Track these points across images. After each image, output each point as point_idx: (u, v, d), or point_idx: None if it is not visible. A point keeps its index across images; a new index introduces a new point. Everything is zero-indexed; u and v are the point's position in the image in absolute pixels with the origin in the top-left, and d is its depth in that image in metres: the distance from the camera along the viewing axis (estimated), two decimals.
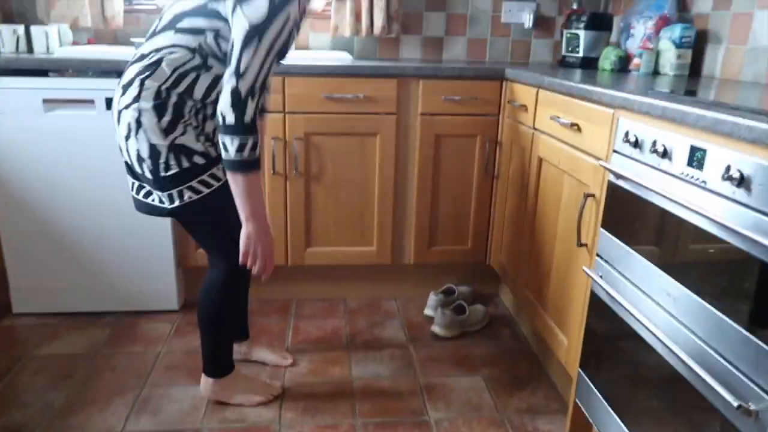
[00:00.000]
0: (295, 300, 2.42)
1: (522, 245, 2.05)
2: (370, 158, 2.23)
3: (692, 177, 1.10)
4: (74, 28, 2.47)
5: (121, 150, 1.49)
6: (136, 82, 1.42)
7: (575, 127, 1.61)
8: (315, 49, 2.68)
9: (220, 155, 1.48)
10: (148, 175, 1.46)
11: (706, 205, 1.06)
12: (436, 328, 2.16)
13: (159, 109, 1.41)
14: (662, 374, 1.18)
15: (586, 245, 1.55)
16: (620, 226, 1.37)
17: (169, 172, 1.44)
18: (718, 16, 1.96)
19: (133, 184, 1.55)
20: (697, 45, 2.03)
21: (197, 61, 1.42)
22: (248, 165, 1.39)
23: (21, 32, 2.29)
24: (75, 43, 2.48)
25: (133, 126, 1.42)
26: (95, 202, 2.11)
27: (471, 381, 1.91)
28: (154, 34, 1.45)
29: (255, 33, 1.33)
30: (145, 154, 1.44)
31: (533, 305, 1.96)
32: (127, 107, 1.42)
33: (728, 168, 1.00)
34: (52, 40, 2.30)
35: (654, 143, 1.22)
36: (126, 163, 1.52)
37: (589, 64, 2.36)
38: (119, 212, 2.13)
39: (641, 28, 2.15)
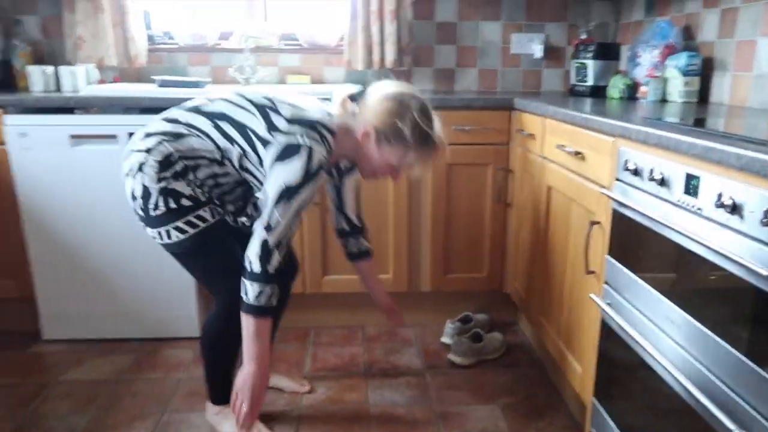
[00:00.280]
0: (314, 328, 2.46)
1: (535, 272, 2.07)
2: (384, 188, 2.29)
3: (689, 205, 1.13)
4: (101, 67, 2.60)
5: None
6: (157, 138, 1.51)
7: (580, 155, 1.65)
8: (330, 82, 2.77)
9: (207, 199, 1.56)
10: (140, 212, 1.54)
11: (703, 233, 1.08)
12: (452, 356, 2.18)
13: (162, 165, 1.50)
14: (674, 404, 1.19)
15: (594, 272, 1.57)
16: (626, 254, 1.39)
17: (157, 212, 1.52)
18: (723, 44, 2.00)
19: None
20: (705, 72, 2.06)
21: (216, 156, 1.53)
22: (263, 311, 1.48)
23: (50, 72, 2.42)
24: (101, 81, 2.61)
25: (135, 168, 1.52)
26: (119, 233, 2.20)
27: (487, 410, 1.92)
28: (197, 110, 1.55)
29: (287, 194, 1.44)
30: (138, 193, 1.52)
31: (548, 332, 1.97)
32: (138, 151, 1.52)
33: (720, 195, 1.02)
34: (79, 79, 2.42)
35: (651, 171, 1.25)
36: None
37: (598, 93, 2.40)
38: (142, 242, 2.20)
39: (648, 56, 2.19)
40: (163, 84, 2.38)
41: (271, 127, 1.48)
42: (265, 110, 1.51)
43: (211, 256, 1.58)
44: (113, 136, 2.14)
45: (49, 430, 1.77)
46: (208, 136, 1.52)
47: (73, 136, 2.13)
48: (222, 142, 1.52)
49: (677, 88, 2.04)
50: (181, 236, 1.54)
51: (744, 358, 0.98)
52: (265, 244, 1.45)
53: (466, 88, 2.82)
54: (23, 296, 2.29)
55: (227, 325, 1.63)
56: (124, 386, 2.01)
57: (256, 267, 1.45)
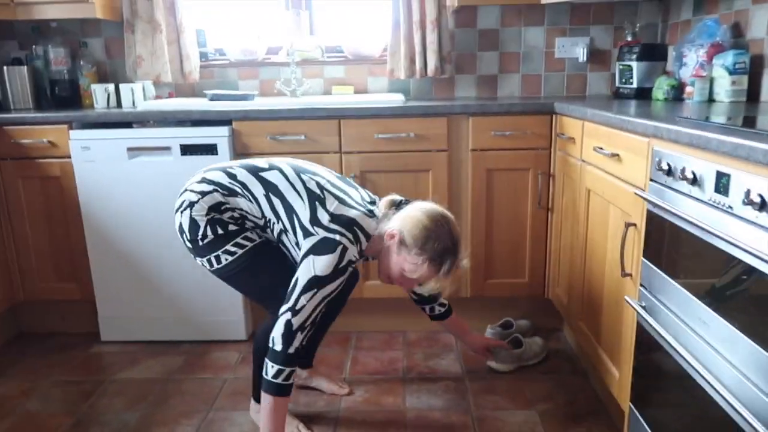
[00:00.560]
0: (356, 332, 2.50)
1: (575, 277, 2.04)
2: (424, 193, 2.31)
3: (719, 203, 1.11)
4: (157, 83, 2.75)
5: None
6: (212, 186, 1.63)
7: (616, 157, 1.63)
8: (373, 92, 2.82)
9: (253, 225, 1.65)
10: (188, 244, 1.65)
11: (733, 231, 1.06)
12: (491, 363, 2.16)
13: (211, 209, 1.62)
14: (711, 411, 1.15)
15: (630, 275, 1.54)
16: (661, 255, 1.36)
17: (206, 240, 1.62)
18: None
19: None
20: (753, 70, 1.98)
21: (261, 223, 1.64)
22: (281, 389, 1.57)
23: (111, 90, 2.58)
24: (158, 96, 2.76)
25: (186, 205, 1.63)
26: (172, 241, 2.31)
27: (525, 415, 1.90)
28: (256, 173, 1.64)
29: (316, 284, 1.53)
30: (186, 227, 1.63)
31: (587, 338, 1.93)
32: (192, 191, 1.64)
33: (748, 192, 1.00)
34: (137, 95, 2.58)
35: (683, 170, 1.22)
36: None
37: (643, 95, 2.35)
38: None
39: (693, 56, 2.13)
40: (214, 98, 2.50)
41: (314, 221, 1.57)
42: (313, 200, 1.60)
43: (261, 272, 1.66)
44: (167, 148, 2.26)
45: (105, 423, 1.88)
46: (258, 203, 1.62)
47: (130, 149, 2.27)
48: (269, 213, 1.62)
49: (724, 87, 1.98)
50: (230, 258, 1.62)
51: None
52: (289, 326, 1.53)
53: (509, 93, 2.82)
54: (85, 299, 2.44)
55: None
56: (174, 385, 2.10)
57: (279, 346, 1.54)
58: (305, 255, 1.56)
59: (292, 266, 1.64)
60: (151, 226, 2.31)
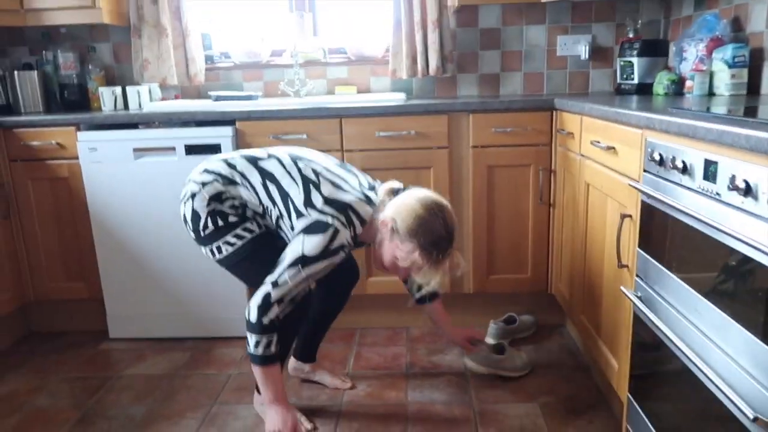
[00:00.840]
0: (359, 328, 2.52)
1: (576, 272, 2.05)
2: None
3: (708, 190, 1.11)
4: (164, 86, 2.80)
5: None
6: (213, 176, 1.67)
7: (612, 150, 1.64)
8: (376, 92, 2.85)
9: (252, 215, 1.68)
10: (192, 234, 1.70)
11: (721, 218, 1.06)
12: (467, 359, 2.11)
13: (212, 199, 1.65)
14: (707, 400, 1.15)
15: (627, 266, 1.55)
16: (655, 245, 1.37)
17: (208, 231, 1.66)
18: None
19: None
20: (753, 63, 1.98)
21: (259, 210, 1.67)
22: (264, 359, 1.60)
23: (118, 92, 2.63)
24: (164, 98, 2.81)
25: (188, 195, 1.68)
26: (178, 239, 2.35)
27: (527, 408, 1.91)
28: (255, 162, 1.68)
29: (301, 261, 1.55)
30: (188, 217, 1.68)
31: (589, 331, 1.94)
32: (195, 182, 1.68)
33: (733, 178, 1.01)
34: (143, 97, 2.63)
35: (673, 159, 1.23)
36: None
37: (644, 90, 2.35)
38: (198, 248, 2.34)
39: (693, 50, 2.14)
40: (218, 99, 2.54)
41: (308, 203, 1.60)
42: (308, 185, 1.62)
43: (260, 262, 1.68)
44: (172, 148, 2.30)
45: (112, 418, 1.91)
46: (255, 191, 1.66)
47: (136, 149, 2.31)
48: (266, 200, 1.65)
49: (724, 80, 1.98)
50: (231, 248, 1.66)
51: (761, 342, 0.95)
52: (267, 297, 1.56)
53: (512, 92, 2.83)
54: (93, 298, 2.48)
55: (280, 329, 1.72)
56: (180, 381, 2.13)
57: (253, 316, 1.57)
58: (297, 234, 1.59)
59: None
60: (157, 225, 2.35)
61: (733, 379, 1.03)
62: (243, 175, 1.67)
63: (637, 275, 1.46)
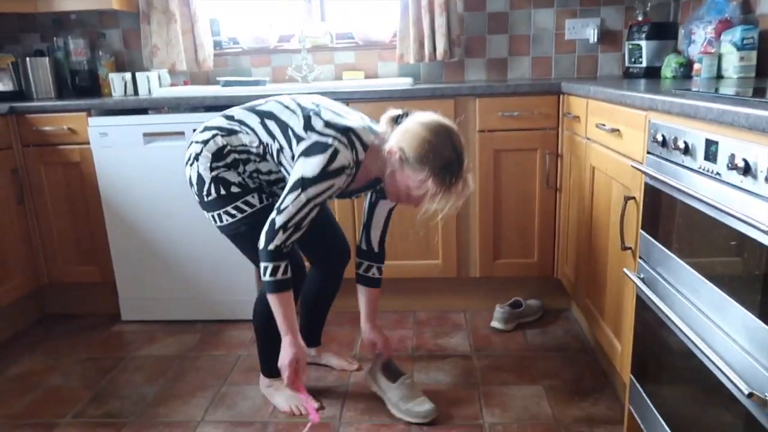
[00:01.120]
0: None
1: (581, 255, 2.05)
2: None
3: (708, 170, 1.12)
4: (173, 72, 2.82)
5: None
6: (212, 132, 1.68)
7: (617, 132, 1.64)
8: (383, 77, 2.85)
9: (256, 186, 1.69)
10: (196, 197, 1.71)
11: (721, 198, 1.07)
12: (368, 376, 1.97)
13: (215, 157, 1.66)
14: (708, 381, 1.16)
15: (630, 248, 1.56)
16: (657, 227, 1.38)
17: (210, 198, 1.67)
18: None
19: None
20: (762, 46, 1.96)
21: (260, 150, 1.66)
22: (276, 285, 1.59)
23: (128, 78, 2.66)
24: (173, 84, 2.83)
25: (192, 157, 1.69)
26: (187, 223, 2.38)
27: (531, 390, 1.93)
28: (252, 108, 1.70)
29: (301, 184, 1.54)
30: (194, 180, 1.69)
31: (594, 315, 1.95)
32: (197, 142, 1.69)
33: (733, 157, 1.01)
34: (153, 83, 2.65)
35: (675, 140, 1.23)
36: None
37: (652, 74, 2.34)
38: (208, 232, 2.37)
39: (702, 33, 2.12)
40: (226, 84, 2.56)
41: (308, 127, 1.59)
42: (308, 112, 1.62)
43: (257, 238, 1.68)
44: (181, 133, 2.33)
45: (123, 397, 1.96)
46: (254, 132, 1.66)
47: (146, 134, 2.34)
48: (265, 138, 1.65)
49: (732, 63, 1.96)
50: (231, 220, 1.68)
51: (758, 320, 0.96)
52: (272, 223, 1.56)
53: (520, 76, 2.82)
54: (105, 281, 2.53)
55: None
56: (190, 362, 2.18)
57: (262, 244, 1.57)
58: (297, 158, 1.57)
59: (327, 218, 1.68)
60: (167, 209, 2.38)
61: (730, 357, 1.04)
62: (241, 122, 1.67)
63: (640, 257, 1.47)
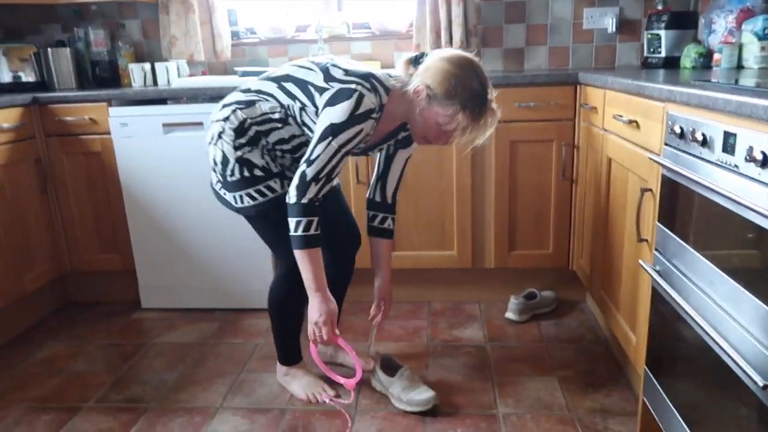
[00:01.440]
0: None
1: (597, 247, 2.05)
2: (447, 166, 2.34)
3: (726, 162, 1.11)
4: (191, 62, 2.85)
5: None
6: (231, 108, 1.68)
7: (634, 123, 1.63)
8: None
9: (279, 172, 1.70)
10: (219, 177, 1.72)
11: (739, 190, 1.06)
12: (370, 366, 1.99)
13: (238, 133, 1.66)
14: (723, 373, 1.16)
15: (646, 240, 1.55)
16: (674, 219, 1.37)
17: (233, 178, 1.68)
18: None
19: (213, 177, 1.79)
20: None
21: (281, 115, 1.66)
22: (306, 241, 1.58)
23: (148, 69, 2.69)
24: (192, 74, 2.86)
25: (215, 136, 1.69)
26: (206, 213, 2.41)
27: (545, 381, 1.94)
28: (267, 77, 1.71)
29: (331, 132, 1.53)
30: (218, 159, 1.70)
31: (608, 307, 1.95)
32: (217, 121, 1.69)
33: (751, 149, 1.01)
34: (171, 74, 2.68)
35: (693, 132, 1.23)
36: None
37: (671, 64, 2.31)
38: (226, 221, 2.41)
39: (722, 22, 2.09)
40: (244, 74, 2.58)
41: (328, 78, 1.59)
42: (325, 66, 1.63)
43: (277, 223, 1.70)
44: (199, 123, 2.35)
45: (144, 382, 2.01)
46: (273, 96, 1.65)
47: (165, 125, 2.37)
48: (285, 100, 1.64)
49: (753, 53, 1.94)
50: (252, 202, 1.69)
51: None
52: (303, 176, 1.55)
53: (537, 66, 2.80)
54: (126, 269, 2.57)
55: (289, 290, 1.77)
56: (209, 349, 2.22)
57: (293, 198, 1.56)
58: (322, 110, 1.56)
59: (337, 202, 1.69)
60: (186, 199, 2.42)
61: (745, 349, 1.04)
62: (258, 91, 1.67)
63: (656, 249, 1.47)
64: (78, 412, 1.86)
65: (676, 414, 1.35)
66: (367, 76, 1.57)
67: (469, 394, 1.87)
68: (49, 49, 2.78)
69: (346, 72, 1.58)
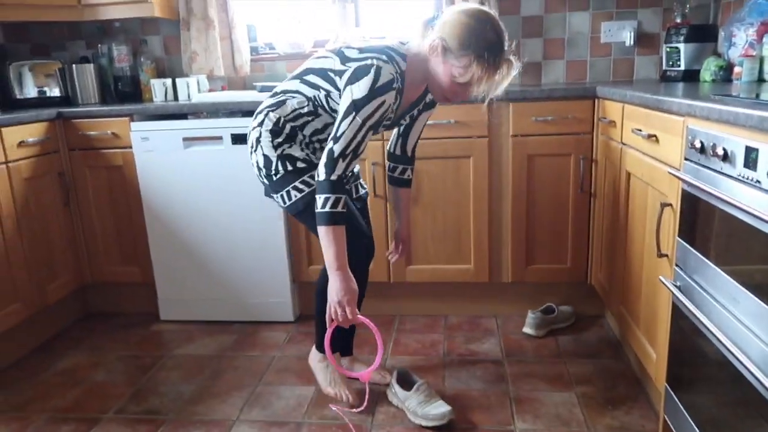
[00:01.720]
0: (398, 316, 2.56)
1: (616, 262, 2.03)
2: (465, 179, 2.35)
3: (748, 178, 1.10)
4: (211, 77, 2.89)
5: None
6: (264, 112, 1.75)
7: (653, 138, 1.62)
8: None
9: (309, 115, 1.73)
10: (265, 180, 1.77)
11: (762, 206, 1.05)
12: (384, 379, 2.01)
13: (274, 133, 1.72)
14: (744, 390, 1.14)
15: (666, 256, 1.54)
16: (695, 234, 1.36)
17: (278, 176, 1.73)
18: None
19: (263, 184, 1.83)
20: None
21: (311, 107, 1.71)
22: (331, 217, 1.59)
23: (169, 84, 2.74)
24: (211, 89, 2.90)
25: (254, 143, 1.75)
26: (225, 225, 2.44)
27: (564, 397, 1.92)
28: (290, 77, 1.77)
29: (353, 108, 1.56)
30: (261, 163, 1.75)
31: (627, 322, 1.93)
32: (254, 128, 1.76)
33: None
34: (191, 89, 2.72)
35: (714, 147, 1.22)
36: None
37: (691, 77, 2.30)
38: (246, 234, 2.43)
39: (743, 35, 2.08)
40: (263, 89, 2.61)
41: (344, 60, 1.62)
42: (340, 50, 1.67)
43: None
44: (219, 138, 2.39)
45: (162, 394, 2.02)
46: (298, 92, 1.71)
47: (186, 139, 2.40)
48: (310, 92, 1.69)
49: None
50: (299, 195, 1.73)
51: None
52: (330, 153, 1.57)
53: (554, 80, 2.80)
54: (145, 281, 2.60)
55: None
56: (227, 361, 2.23)
57: (321, 175, 1.58)
58: (343, 89, 1.59)
59: (355, 210, 1.72)
60: (205, 212, 2.45)
61: (766, 365, 1.03)
62: (285, 91, 1.73)
63: (677, 265, 1.45)
64: (97, 423, 1.87)
65: None
66: (382, 50, 1.60)
67: (485, 410, 1.85)
68: (74, 65, 2.84)
69: (361, 50, 1.62)
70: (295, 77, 1.74)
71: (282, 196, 1.75)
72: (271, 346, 2.33)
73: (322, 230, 1.61)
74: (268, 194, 1.83)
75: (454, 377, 2.05)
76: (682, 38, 2.31)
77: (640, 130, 1.71)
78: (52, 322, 2.56)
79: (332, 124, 1.72)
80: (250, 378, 2.10)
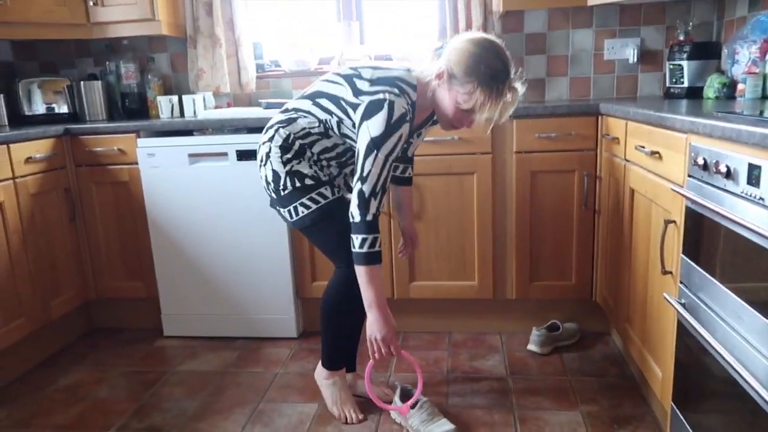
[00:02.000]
0: (403, 332, 2.55)
1: (620, 279, 2.02)
2: (468, 196, 2.35)
3: (752, 195, 1.10)
4: (217, 94, 2.92)
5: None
6: (274, 128, 1.78)
7: (656, 155, 1.62)
8: None
9: (327, 179, 1.78)
10: (273, 195, 1.79)
11: (765, 223, 1.05)
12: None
13: (283, 149, 1.75)
14: (752, 410, 1.13)
15: (671, 273, 1.53)
16: (699, 252, 1.36)
17: (286, 191, 1.75)
18: None
19: (269, 197, 1.86)
20: None
21: (321, 129, 1.74)
22: (369, 258, 1.62)
23: (175, 101, 2.76)
24: (217, 106, 2.93)
25: (264, 157, 1.78)
26: (229, 241, 2.45)
27: (568, 416, 1.90)
28: (302, 95, 1.80)
29: (374, 146, 1.59)
30: (270, 178, 1.77)
31: (632, 339, 1.92)
32: (264, 143, 1.79)
33: None
34: (198, 105, 2.75)
35: (717, 164, 1.22)
36: None
37: (694, 94, 2.31)
38: (250, 251, 2.44)
39: (746, 52, 2.08)
40: (268, 106, 2.63)
41: (357, 93, 1.65)
42: (350, 78, 1.69)
43: (332, 228, 1.77)
44: (224, 154, 2.40)
45: (165, 410, 2.01)
46: (310, 113, 1.73)
47: (191, 155, 2.42)
48: (322, 115, 1.72)
49: None
50: (306, 211, 1.75)
51: None
52: (361, 194, 1.60)
53: (558, 97, 2.81)
54: (150, 297, 2.61)
55: (344, 293, 1.80)
56: (230, 378, 2.22)
57: (357, 217, 1.61)
58: (359, 125, 1.61)
59: None
60: (210, 228, 2.45)
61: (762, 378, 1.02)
62: (296, 109, 1.75)
63: (681, 282, 1.44)
64: None
65: None
66: (392, 81, 1.63)
67: (489, 428, 1.84)
68: (82, 83, 2.87)
69: (371, 82, 1.64)
70: (306, 97, 1.76)
71: (289, 211, 1.78)
72: (275, 363, 2.32)
73: (359, 270, 1.65)
74: (273, 206, 1.85)
75: (458, 395, 2.03)
76: (685, 55, 2.32)
77: (644, 147, 1.72)
78: (56, 337, 2.56)
79: (341, 144, 1.76)
80: (252, 394, 2.09)
